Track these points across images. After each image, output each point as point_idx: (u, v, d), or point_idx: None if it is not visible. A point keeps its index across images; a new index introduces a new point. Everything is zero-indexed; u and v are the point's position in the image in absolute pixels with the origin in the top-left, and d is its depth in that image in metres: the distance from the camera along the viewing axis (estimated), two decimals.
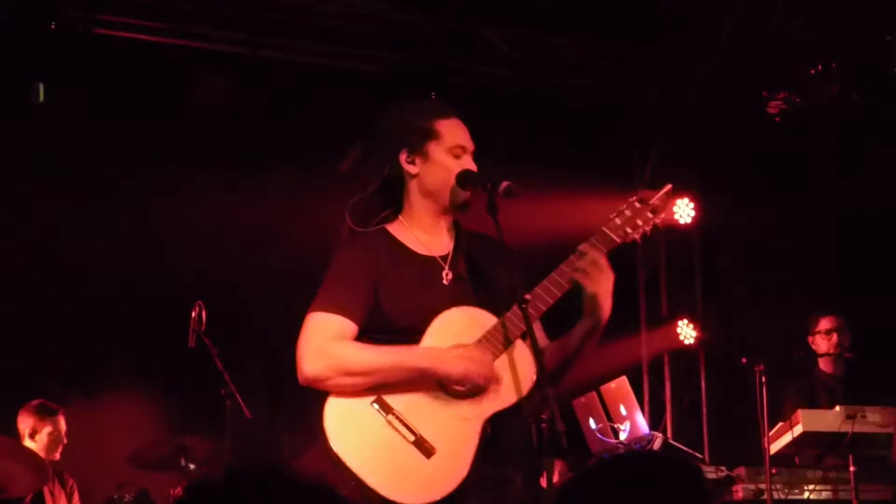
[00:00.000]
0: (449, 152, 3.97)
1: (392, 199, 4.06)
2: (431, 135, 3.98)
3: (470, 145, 4.03)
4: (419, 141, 3.98)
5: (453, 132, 4.01)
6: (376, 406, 3.77)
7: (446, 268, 3.97)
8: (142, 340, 8.21)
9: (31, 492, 7.20)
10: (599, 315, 3.86)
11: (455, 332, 3.83)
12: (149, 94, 8.33)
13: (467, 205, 4.01)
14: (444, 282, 3.95)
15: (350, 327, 3.84)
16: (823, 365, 7.75)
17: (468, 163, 3.99)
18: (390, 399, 3.77)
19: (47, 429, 7.48)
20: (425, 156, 3.98)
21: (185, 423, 7.79)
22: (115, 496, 7.21)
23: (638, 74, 9.62)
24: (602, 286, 3.83)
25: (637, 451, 5.87)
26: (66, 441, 7.57)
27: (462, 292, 3.93)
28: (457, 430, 3.75)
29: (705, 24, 9.04)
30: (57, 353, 8.21)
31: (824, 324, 7.73)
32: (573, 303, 3.91)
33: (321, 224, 4.51)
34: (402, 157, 4.00)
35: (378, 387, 3.78)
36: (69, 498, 7.64)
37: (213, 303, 6.85)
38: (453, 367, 3.75)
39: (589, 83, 9.56)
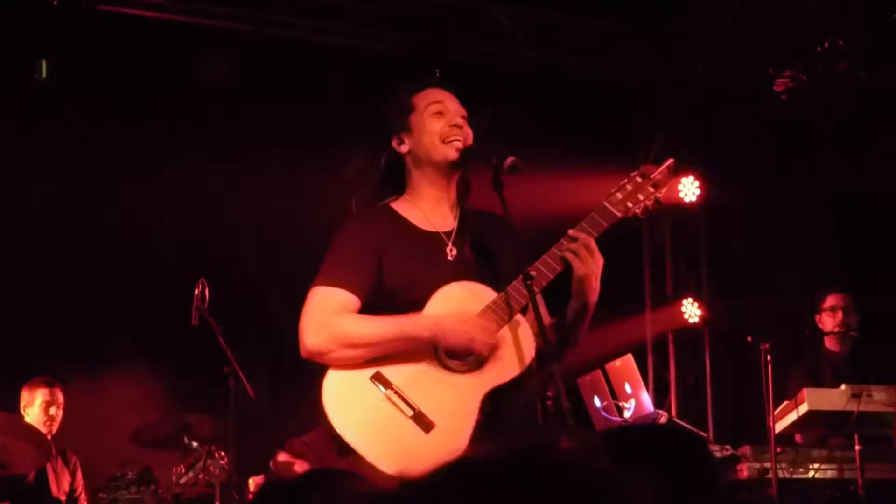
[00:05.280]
0: (427, 114, 3.99)
1: (399, 187, 4.08)
2: (409, 110, 4.02)
3: (451, 104, 4.02)
4: (401, 120, 4.03)
5: (426, 96, 4.04)
6: (375, 381, 3.76)
7: (450, 244, 3.96)
8: (145, 318, 8.19)
9: (34, 469, 7.21)
10: (587, 297, 3.86)
11: (455, 306, 3.82)
12: (152, 71, 8.29)
13: (460, 170, 4.00)
14: (449, 257, 3.94)
15: (352, 301, 3.83)
16: (829, 343, 7.71)
17: (452, 119, 3.98)
18: (389, 374, 3.76)
19: (40, 398, 7.46)
20: (409, 130, 4.01)
21: (188, 401, 7.78)
22: (118, 474, 7.21)
23: (643, 52, 9.57)
24: (590, 269, 3.82)
25: (643, 425, 5.84)
26: (62, 413, 7.54)
27: (466, 268, 3.92)
28: (456, 405, 3.74)
29: (712, 1, 8.99)
30: (60, 332, 8.20)
31: (830, 301, 7.69)
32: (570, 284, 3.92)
33: (324, 201, 4.50)
34: (394, 144, 4.03)
35: (378, 360, 3.77)
36: (72, 475, 7.64)
37: (217, 280, 6.83)
38: (456, 338, 3.74)
39: (594, 61, 9.52)
